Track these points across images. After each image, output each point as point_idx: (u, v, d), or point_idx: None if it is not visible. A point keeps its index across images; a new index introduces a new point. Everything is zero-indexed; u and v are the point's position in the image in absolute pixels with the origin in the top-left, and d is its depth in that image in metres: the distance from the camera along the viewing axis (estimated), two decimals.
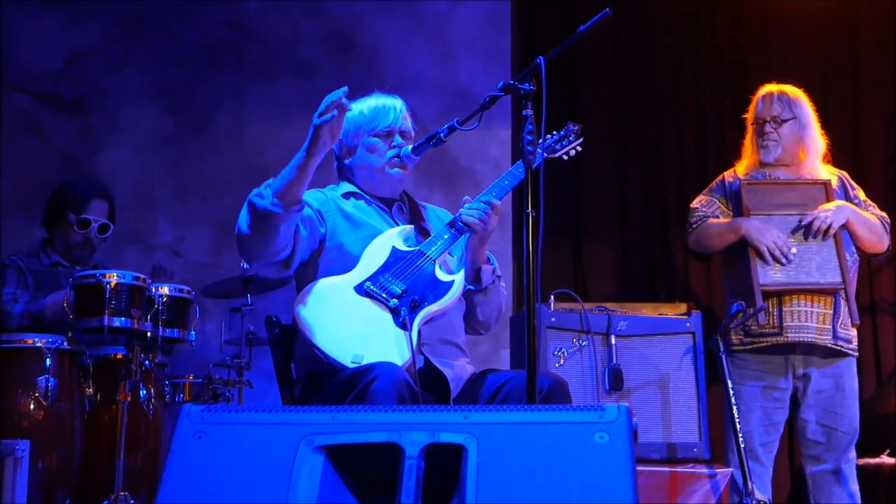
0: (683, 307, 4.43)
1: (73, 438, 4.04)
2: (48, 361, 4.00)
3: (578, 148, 3.59)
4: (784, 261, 4.20)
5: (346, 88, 2.99)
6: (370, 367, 2.92)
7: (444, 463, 2.26)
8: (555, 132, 3.57)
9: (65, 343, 4.08)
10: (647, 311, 4.42)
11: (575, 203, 6.12)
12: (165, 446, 4.11)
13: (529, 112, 2.91)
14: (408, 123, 3.48)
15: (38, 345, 4.03)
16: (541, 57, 2.91)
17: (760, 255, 4.21)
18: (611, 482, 2.15)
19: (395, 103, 3.48)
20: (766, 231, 4.23)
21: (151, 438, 4.24)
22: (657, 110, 6.21)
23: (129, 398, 4.05)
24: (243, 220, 3.11)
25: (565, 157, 3.61)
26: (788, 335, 4.20)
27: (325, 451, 2.25)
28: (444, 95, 6.00)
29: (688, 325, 4.23)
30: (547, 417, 2.25)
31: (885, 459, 4.84)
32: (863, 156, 6.06)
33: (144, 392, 4.20)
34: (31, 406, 3.99)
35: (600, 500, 2.12)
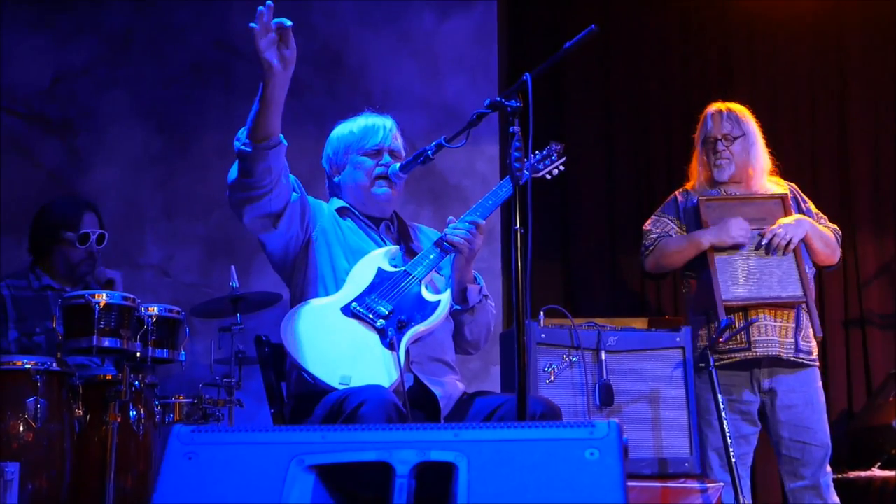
0: (673, 322, 4.44)
1: (62, 460, 4.02)
2: (37, 383, 3.98)
3: (561, 167, 3.61)
4: (747, 240, 4.25)
5: (269, 4, 2.89)
6: (358, 391, 2.92)
7: (436, 481, 2.25)
8: (538, 151, 3.59)
9: (54, 364, 4.07)
10: (637, 325, 4.42)
11: (564, 218, 6.14)
12: (156, 467, 4.10)
13: (517, 129, 2.92)
14: (398, 142, 3.50)
15: (27, 366, 4.00)
16: (527, 74, 2.92)
17: (726, 253, 4.22)
18: (601, 498, 2.14)
19: (385, 122, 3.50)
20: (724, 228, 4.26)
21: (142, 459, 4.21)
22: (645, 125, 6.24)
23: (118, 419, 4.03)
24: (231, 171, 3.14)
25: (548, 177, 3.63)
26: (756, 350, 4.23)
27: (315, 470, 2.25)
28: (432, 112, 6.01)
29: (678, 339, 4.22)
30: (537, 434, 2.25)
31: (876, 472, 4.85)
32: (848, 163, 6.09)
33: (134, 413, 4.18)
34: (21, 428, 3.96)
35: None
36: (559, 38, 3.04)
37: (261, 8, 2.87)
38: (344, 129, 3.48)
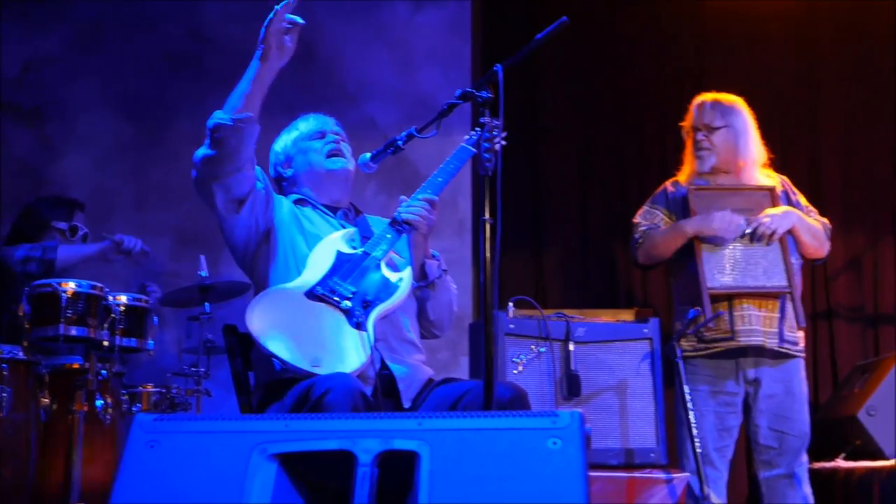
0: (642, 313, 4.46)
1: (28, 449, 4.00)
2: (3, 371, 3.96)
3: (502, 142, 3.61)
4: (734, 236, 4.25)
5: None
6: (323, 379, 2.92)
7: (399, 470, 2.26)
8: (478, 129, 3.60)
9: (20, 353, 4.05)
10: (606, 317, 4.43)
11: (535, 210, 6.16)
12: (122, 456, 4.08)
13: (487, 119, 2.93)
14: (340, 129, 3.59)
15: None
16: (498, 65, 2.93)
17: (715, 245, 4.25)
18: (563, 488, 2.16)
19: (326, 118, 3.61)
20: (708, 218, 4.28)
21: (108, 449, 4.20)
22: (618, 118, 6.26)
23: (85, 408, 4.02)
24: (199, 149, 3.21)
25: (488, 155, 3.62)
26: (740, 339, 4.23)
27: (278, 459, 2.25)
28: (405, 103, 6.01)
29: (645, 331, 4.25)
30: (500, 423, 2.26)
31: (840, 463, 4.88)
32: (818, 159, 6.13)
33: (101, 402, 4.17)
34: None
35: None
36: (534, 31, 3.03)
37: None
38: (285, 134, 3.61)
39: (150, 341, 4.33)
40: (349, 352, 3.06)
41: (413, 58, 6.15)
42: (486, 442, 2.22)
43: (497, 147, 3.55)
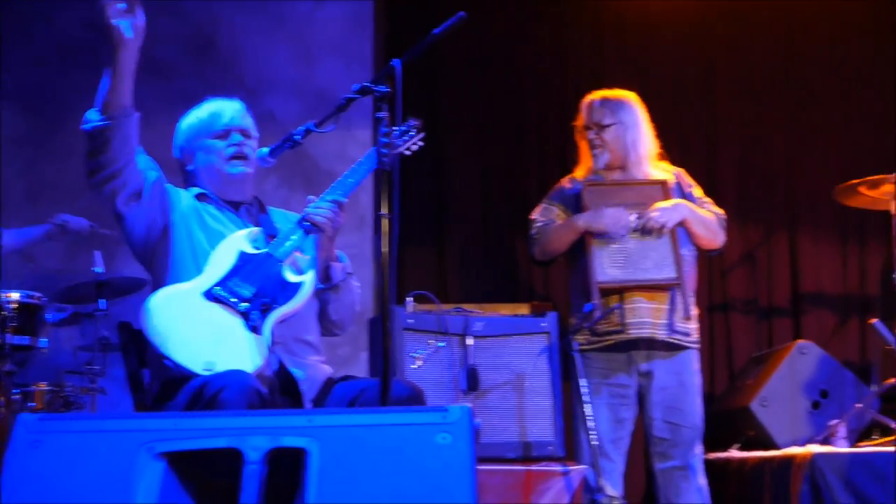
0: (540, 307, 4.50)
1: None
2: None
3: (420, 143, 3.62)
4: (624, 232, 4.30)
5: None
6: (218, 377, 2.89)
7: (291, 467, 2.26)
8: (395, 128, 3.60)
9: None
10: (506, 311, 4.47)
11: (439, 205, 6.17)
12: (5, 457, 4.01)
13: (384, 114, 2.94)
14: (247, 122, 3.49)
15: None
16: (395, 59, 2.93)
17: (605, 241, 4.30)
18: (452, 482, 2.18)
19: (233, 104, 3.50)
20: (599, 214, 4.33)
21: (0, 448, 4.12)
22: (519, 114, 6.29)
23: None
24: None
25: (408, 153, 3.62)
26: (630, 332, 4.28)
27: (165, 458, 2.23)
28: (306, 97, 5.98)
29: (543, 325, 4.29)
30: (389, 419, 2.28)
31: (735, 453, 4.97)
32: (715, 153, 6.25)
33: None
34: None
35: (441, 500, 2.15)
36: (437, 27, 3.04)
37: None
38: (191, 118, 3.48)
39: (43, 339, 4.26)
40: (243, 356, 3.03)
41: (315, 52, 6.12)
42: (376, 438, 2.24)
43: (415, 148, 3.57)
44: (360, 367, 5.39)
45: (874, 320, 4.55)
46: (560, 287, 5.95)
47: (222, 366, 2.97)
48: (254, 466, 2.19)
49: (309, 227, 3.27)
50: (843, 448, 4.47)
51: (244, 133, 3.45)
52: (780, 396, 5.09)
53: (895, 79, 6.15)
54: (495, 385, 4.20)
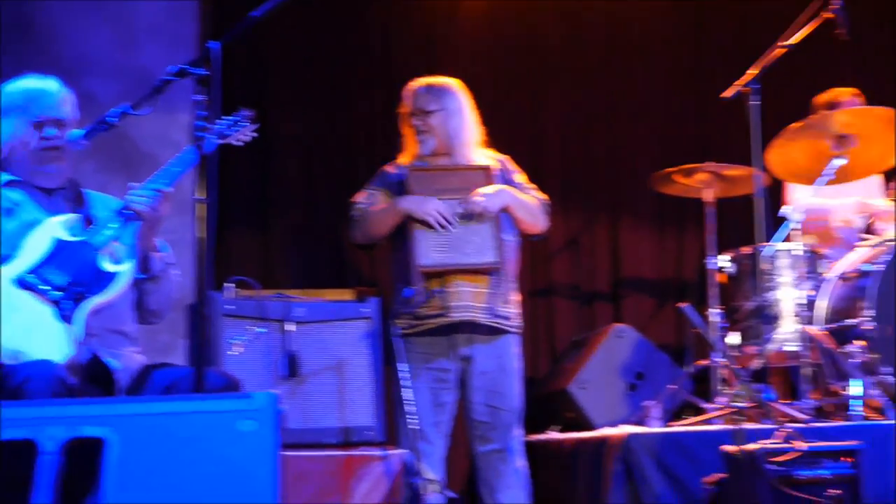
0: (363, 293, 4.51)
1: None
2: None
3: (252, 133, 3.58)
4: (448, 227, 4.34)
5: None
6: (22, 367, 2.83)
7: (92, 457, 2.21)
8: (226, 117, 3.55)
9: None
10: (330, 296, 4.47)
11: (263, 189, 6.11)
12: None
13: (201, 97, 2.90)
14: (65, 109, 3.39)
15: None
16: (212, 42, 2.91)
17: (427, 226, 4.33)
18: (255, 469, 2.18)
19: (51, 87, 3.40)
20: (426, 202, 4.35)
21: None
22: (348, 98, 6.28)
23: None
24: None
25: (238, 143, 3.59)
26: (452, 315, 4.30)
27: None
28: (127, 79, 5.82)
29: (364, 310, 4.33)
30: (192, 407, 2.26)
31: (553, 435, 5.08)
32: (541, 141, 6.37)
33: None
34: None
35: (244, 488, 2.15)
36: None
37: None
38: (6, 94, 3.37)
39: None
40: (52, 347, 2.98)
41: (137, 34, 5.97)
42: (179, 426, 2.22)
43: (246, 139, 3.53)
44: (179, 355, 5.31)
45: (683, 304, 4.70)
46: (387, 272, 5.98)
47: (31, 355, 2.91)
48: (49, 457, 2.14)
49: (130, 215, 3.21)
50: (656, 428, 4.61)
51: (59, 124, 3.36)
52: (597, 379, 5.23)
53: (705, 71, 6.42)
54: (316, 371, 4.20)
